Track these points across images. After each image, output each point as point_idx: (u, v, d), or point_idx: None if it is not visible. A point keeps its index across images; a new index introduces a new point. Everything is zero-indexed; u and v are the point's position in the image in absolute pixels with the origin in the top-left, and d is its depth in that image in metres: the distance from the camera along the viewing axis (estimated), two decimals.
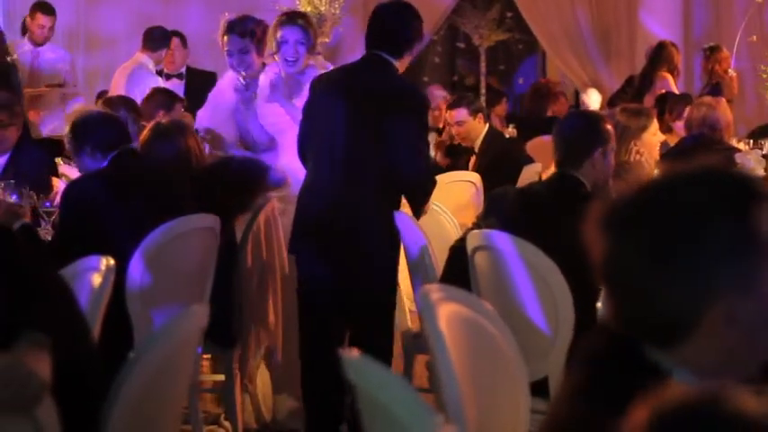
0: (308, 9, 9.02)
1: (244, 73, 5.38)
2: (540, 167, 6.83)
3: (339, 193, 4.55)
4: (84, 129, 4.43)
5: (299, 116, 4.96)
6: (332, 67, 5.34)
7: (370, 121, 4.53)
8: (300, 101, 5.11)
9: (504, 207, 3.96)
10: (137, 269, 4.11)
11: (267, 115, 5.38)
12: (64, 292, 2.54)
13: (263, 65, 5.53)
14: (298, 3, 9.40)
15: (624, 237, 1.58)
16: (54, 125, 8.72)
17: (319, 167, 4.64)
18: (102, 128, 4.44)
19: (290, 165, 5.17)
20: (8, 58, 8.26)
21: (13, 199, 4.68)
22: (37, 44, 8.86)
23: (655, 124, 4.46)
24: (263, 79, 5.41)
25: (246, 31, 5.49)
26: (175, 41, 8.81)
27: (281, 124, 5.31)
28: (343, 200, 4.55)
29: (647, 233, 1.56)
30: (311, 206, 4.64)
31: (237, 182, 4.72)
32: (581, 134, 3.92)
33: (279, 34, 5.27)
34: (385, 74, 4.66)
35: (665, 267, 1.53)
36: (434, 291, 2.67)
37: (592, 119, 4.03)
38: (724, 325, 1.53)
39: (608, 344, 1.64)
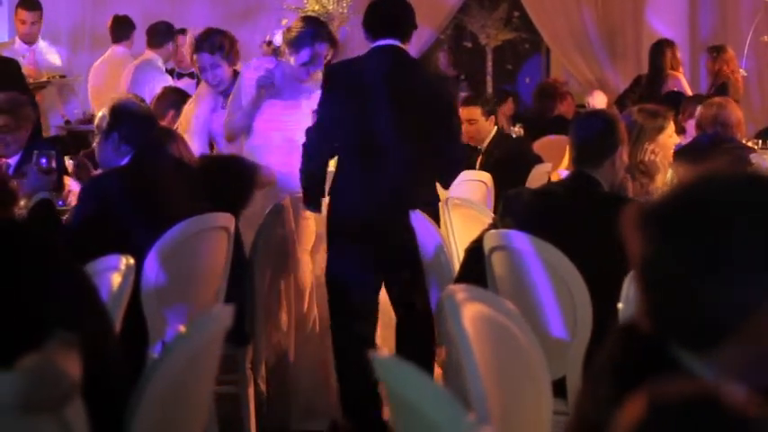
0: (316, 8, 9.01)
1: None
2: (549, 167, 6.82)
3: (379, 189, 4.55)
4: (122, 114, 4.36)
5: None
6: None
7: (410, 115, 4.53)
8: (291, 102, 5.17)
9: (521, 208, 3.95)
10: (152, 268, 4.09)
11: (264, 111, 5.38)
12: (88, 289, 2.53)
13: (235, 72, 5.59)
14: (305, 1, 9.39)
15: (671, 239, 1.57)
16: (56, 123, 8.73)
17: (354, 162, 4.63)
18: (140, 120, 4.39)
19: (282, 163, 5.19)
20: (20, 58, 8.23)
21: (41, 162, 4.62)
22: (25, 42, 8.69)
23: (672, 126, 4.45)
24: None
25: (215, 47, 5.57)
26: (185, 40, 8.77)
27: (276, 123, 5.31)
28: (386, 195, 4.55)
29: (699, 237, 1.55)
30: (349, 202, 4.62)
31: (237, 178, 4.71)
32: (602, 134, 3.91)
33: (314, 45, 5.24)
34: (412, 66, 4.70)
35: (716, 273, 1.53)
36: (459, 291, 2.67)
37: (611, 119, 4.03)
38: (766, 332, 1.53)
39: (634, 345, 1.63)
